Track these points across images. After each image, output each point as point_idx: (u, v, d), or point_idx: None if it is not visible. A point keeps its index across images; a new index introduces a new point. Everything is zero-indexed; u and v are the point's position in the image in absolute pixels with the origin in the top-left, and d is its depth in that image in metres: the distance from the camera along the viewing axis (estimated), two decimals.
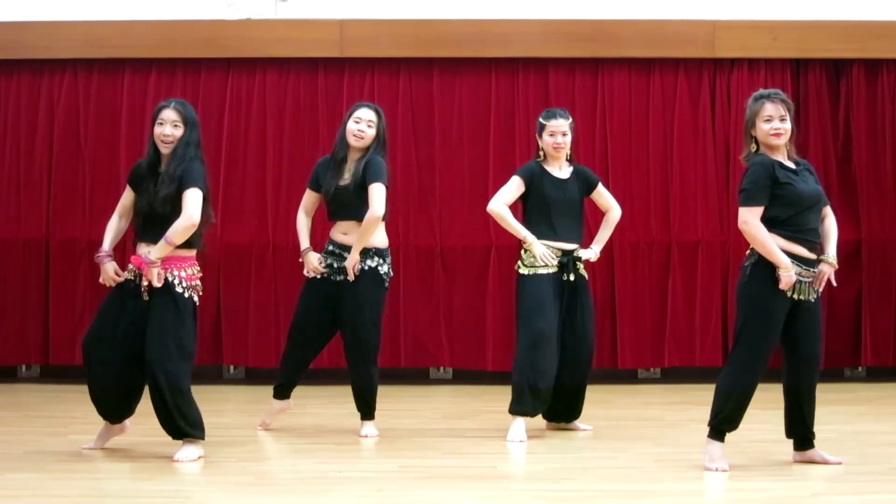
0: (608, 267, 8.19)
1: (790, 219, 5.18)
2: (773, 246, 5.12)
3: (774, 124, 5.22)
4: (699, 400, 5.53)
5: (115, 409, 5.65)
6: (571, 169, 6.30)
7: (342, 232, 6.16)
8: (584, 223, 6.39)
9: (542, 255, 6.08)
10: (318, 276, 6.16)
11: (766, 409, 5.78)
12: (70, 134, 8.25)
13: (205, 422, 5.56)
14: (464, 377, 8.22)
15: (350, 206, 6.09)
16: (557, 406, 6.28)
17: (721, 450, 5.24)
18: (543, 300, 6.06)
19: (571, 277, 6.17)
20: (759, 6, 8.34)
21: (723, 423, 5.24)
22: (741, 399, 5.20)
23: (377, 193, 6.01)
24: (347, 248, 6.10)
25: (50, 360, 8.20)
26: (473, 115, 8.33)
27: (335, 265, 6.13)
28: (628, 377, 8.32)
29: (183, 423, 5.43)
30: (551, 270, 6.11)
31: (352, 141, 6.12)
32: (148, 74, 8.25)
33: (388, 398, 7.05)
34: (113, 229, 5.66)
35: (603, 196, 6.44)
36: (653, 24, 8.28)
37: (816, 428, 5.39)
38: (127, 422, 5.75)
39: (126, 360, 5.47)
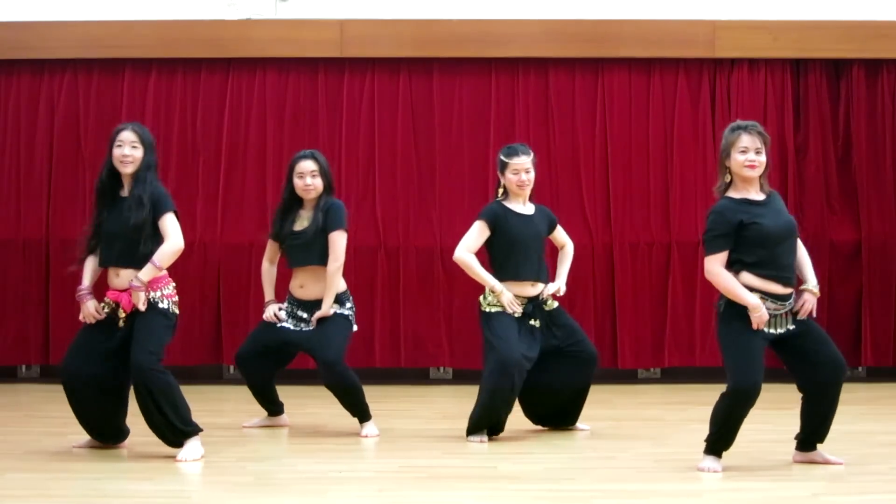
0: (608, 267, 8.20)
1: (762, 260, 5.11)
2: (739, 290, 5.09)
3: (749, 156, 5.16)
4: (699, 400, 5.54)
5: (106, 432, 5.70)
6: (533, 206, 6.26)
7: (299, 285, 6.22)
8: (545, 257, 6.30)
9: (508, 302, 6.02)
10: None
11: (767, 409, 5.78)
12: (70, 134, 8.25)
13: (205, 422, 5.56)
14: (464, 377, 8.20)
15: (306, 252, 6.15)
16: (558, 412, 6.30)
17: (716, 461, 5.24)
18: (510, 329, 6.00)
19: (537, 323, 6.10)
20: (759, 6, 8.34)
21: (717, 444, 5.25)
22: (735, 424, 5.19)
23: (339, 243, 6.11)
24: (306, 304, 6.17)
25: (50, 360, 8.19)
26: (473, 115, 8.33)
27: (294, 323, 6.21)
28: (628, 377, 8.32)
29: (179, 424, 5.45)
30: (516, 315, 6.07)
31: (303, 195, 6.22)
32: (148, 74, 8.25)
33: (388, 398, 7.05)
34: (91, 266, 5.71)
35: (560, 233, 6.42)
36: (653, 24, 8.28)
37: None
38: None
39: (106, 385, 5.55)
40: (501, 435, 6.09)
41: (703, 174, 8.26)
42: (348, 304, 6.22)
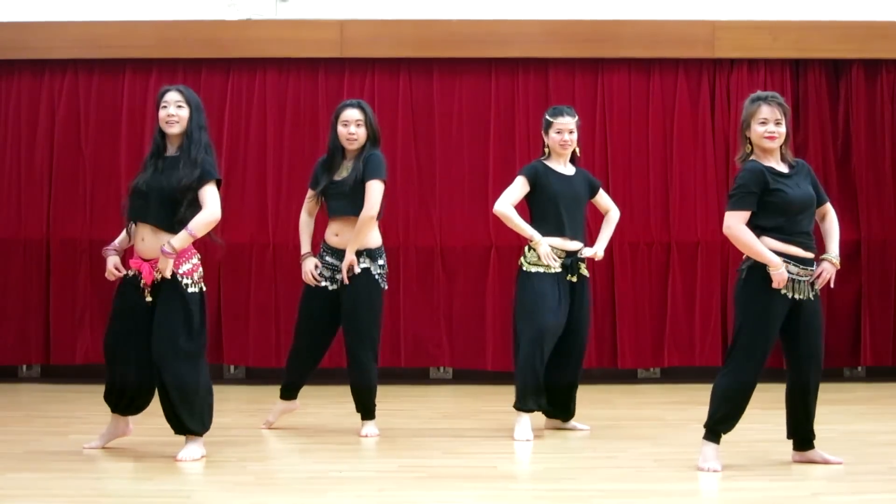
0: (608, 267, 8.20)
1: (781, 226, 5.16)
2: (759, 246, 5.13)
3: (769, 127, 5.22)
4: (699, 400, 5.53)
5: (132, 403, 5.65)
6: (574, 168, 6.33)
7: (335, 233, 6.18)
8: (585, 223, 6.41)
9: (545, 254, 6.08)
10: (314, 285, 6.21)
11: (766, 409, 5.79)
12: (70, 134, 8.25)
13: None
14: (464, 377, 8.22)
15: (345, 201, 6.11)
16: (551, 404, 6.29)
17: (715, 451, 5.24)
18: (546, 295, 6.08)
19: (574, 279, 6.20)
20: (759, 6, 8.34)
21: (718, 424, 5.24)
22: (738, 401, 5.20)
23: (374, 191, 6.05)
24: (340, 253, 6.14)
25: (50, 360, 8.20)
26: (473, 115, 8.33)
27: (329, 274, 6.17)
28: (628, 377, 8.32)
29: (187, 420, 5.45)
30: (554, 271, 6.13)
31: (346, 145, 6.17)
32: (148, 74, 8.25)
33: (388, 398, 7.05)
34: (125, 230, 5.69)
35: (604, 198, 6.51)
36: (653, 24, 8.28)
37: (816, 428, 5.40)
38: (131, 424, 5.76)
39: (146, 354, 5.47)
40: (501, 435, 6.08)
41: (703, 174, 8.27)
42: (380, 261, 6.17)
